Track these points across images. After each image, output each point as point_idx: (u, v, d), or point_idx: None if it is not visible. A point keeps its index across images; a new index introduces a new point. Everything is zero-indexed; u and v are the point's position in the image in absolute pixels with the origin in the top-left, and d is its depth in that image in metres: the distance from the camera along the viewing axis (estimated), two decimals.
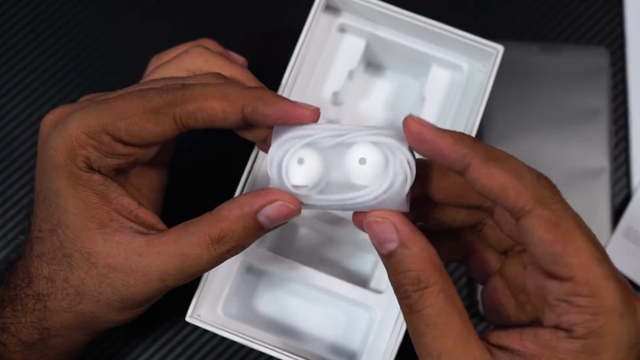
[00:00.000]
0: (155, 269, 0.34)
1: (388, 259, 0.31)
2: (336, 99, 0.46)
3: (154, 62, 0.45)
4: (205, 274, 0.41)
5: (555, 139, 0.51)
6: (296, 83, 0.44)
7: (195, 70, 0.41)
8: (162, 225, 0.37)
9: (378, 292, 0.43)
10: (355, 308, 0.45)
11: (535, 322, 0.34)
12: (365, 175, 0.31)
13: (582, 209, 0.51)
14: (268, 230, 0.34)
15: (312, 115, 0.32)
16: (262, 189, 0.33)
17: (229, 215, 0.33)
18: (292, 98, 0.43)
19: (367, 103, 0.49)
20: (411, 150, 0.31)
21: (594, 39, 0.54)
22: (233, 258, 0.43)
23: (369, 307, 0.43)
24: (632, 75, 0.53)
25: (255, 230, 0.34)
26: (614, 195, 0.51)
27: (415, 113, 0.47)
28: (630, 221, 0.50)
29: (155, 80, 0.38)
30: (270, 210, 0.33)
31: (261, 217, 0.33)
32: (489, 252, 0.36)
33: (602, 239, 0.50)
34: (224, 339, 0.47)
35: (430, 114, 0.45)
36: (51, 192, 0.35)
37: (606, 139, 0.51)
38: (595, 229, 0.51)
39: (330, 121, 0.47)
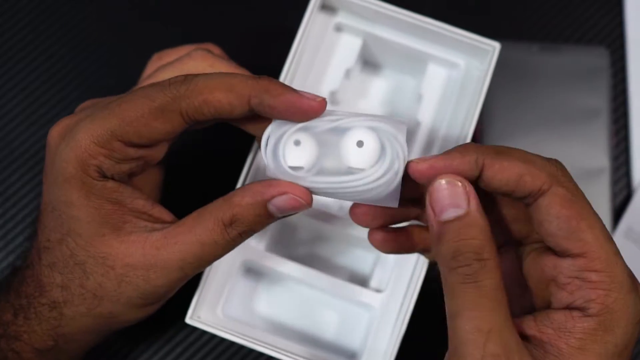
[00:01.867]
0: (175, 259, 0.34)
1: (448, 224, 0.30)
2: (333, 98, 0.46)
3: (154, 61, 0.44)
4: (205, 275, 0.41)
5: (555, 139, 0.51)
6: (293, 83, 0.44)
7: None
8: (176, 221, 0.37)
9: (378, 291, 0.43)
10: (355, 308, 0.45)
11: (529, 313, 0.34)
12: (362, 158, 0.32)
13: None
14: (278, 218, 0.34)
15: (319, 106, 0.32)
16: (274, 179, 0.33)
17: (240, 202, 0.34)
18: None
19: (364, 102, 0.49)
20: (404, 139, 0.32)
21: (594, 39, 0.54)
22: (233, 259, 0.43)
23: (369, 306, 0.43)
24: (632, 75, 0.53)
25: (265, 217, 0.34)
26: (614, 195, 0.51)
27: (413, 111, 0.47)
28: (631, 221, 0.50)
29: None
30: (280, 202, 0.33)
31: (271, 207, 0.33)
32: None
33: None
34: (223, 339, 0.47)
35: (427, 112, 0.45)
36: (62, 203, 0.35)
37: (606, 139, 0.51)
38: None
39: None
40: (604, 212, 0.50)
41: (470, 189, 0.31)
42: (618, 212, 0.51)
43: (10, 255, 0.49)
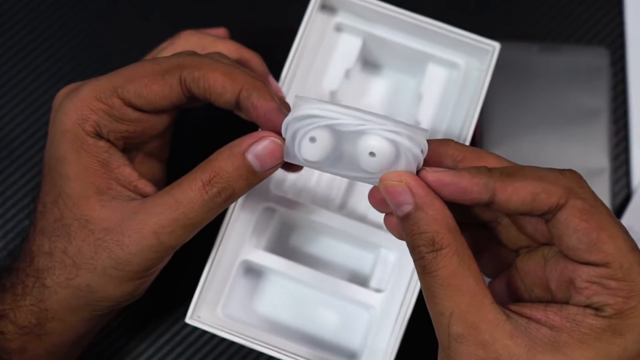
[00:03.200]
0: (149, 222, 0.35)
1: (404, 220, 0.31)
2: (333, 98, 0.46)
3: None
4: (205, 274, 0.41)
5: (555, 139, 0.51)
6: (293, 82, 0.44)
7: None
8: None
9: (377, 291, 0.43)
10: (355, 308, 0.45)
11: None
12: (374, 166, 0.32)
13: None
14: (259, 176, 0.35)
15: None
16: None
17: (218, 157, 0.34)
18: (289, 97, 0.43)
19: (364, 102, 0.49)
20: (423, 151, 0.32)
21: (594, 39, 0.54)
22: (233, 258, 0.43)
23: (369, 306, 0.43)
24: (632, 75, 0.53)
25: (246, 171, 0.34)
26: (614, 195, 0.51)
27: (413, 111, 0.47)
28: (631, 221, 0.50)
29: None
30: (258, 149, 0.34)
31: (249, 156, 0.34)
32: (501, 248, 0.36)
33: None
34: (223, 339, 0.47)
35: (427, 112, 0.45)
36: (55, 160, 0.36)
37: (606, 139, 0.51)
38: None
39: None
40: None
41: (414, 181, 0.31)
42: (618, 212, 0.51)
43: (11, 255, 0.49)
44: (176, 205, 0.34)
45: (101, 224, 0.35)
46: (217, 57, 0.38)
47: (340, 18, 0.45)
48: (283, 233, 0.47)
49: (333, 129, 0.32)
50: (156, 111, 0.37)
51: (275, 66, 0.43)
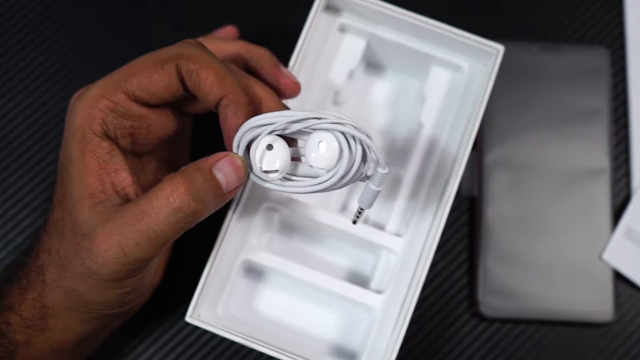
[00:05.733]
0: (115, 233, 0.34)
1: None
2: (336, 99, 0.46)
3: None
4: (205, 274, 0.41)
5: (555, 139, 0.51)
6: None
7: None
8: None
9: (378, 292, 0.43)
10: (355, 308, 0.45)
11: None
12: (323, 161, 0.33)
13: (582, 209, 0.51)
14: (224, 196, 0.35)
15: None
16: None
17: (187, 169, 0.34)
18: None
19: (367, 103, 0.49)
20: (368, 136, 0.33)
21: (594, 39, 0.54)
22: (233, 258, 0.43)
23: (369, 307, 0.43)
24: (632, 75, 0.53)
25: (214, 186, 0.34)
26: (614, 195, 0.51)
27: (416, 113, 0.47)
28: (631, 221, 0.50)
29: None
30: (222, 165, 0.34)
31: (218, 174, 0.34)
32: None
33: (602, 239, 0.50)
34: (224, 339, 0.47)
35: (430, 114, 0.45)
36: (67, 160, 0.37)
37: (606, 139, 0.51)
38: (595, 229, 0.51)
39: None
40: (604, 212, 0.50)
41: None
42: (618, 212, 0.51)
43: (11, 255, 0.49)
44: (141, 215, 0.34)
45: (82, 228, 0.35)
46: (225, 61, 0.38)
47: (344, 19, 0.45)
48: (283, 233, 0.47)
49: (281, 135, 0.34)
50: (160, 103, 0.37)
51: None
